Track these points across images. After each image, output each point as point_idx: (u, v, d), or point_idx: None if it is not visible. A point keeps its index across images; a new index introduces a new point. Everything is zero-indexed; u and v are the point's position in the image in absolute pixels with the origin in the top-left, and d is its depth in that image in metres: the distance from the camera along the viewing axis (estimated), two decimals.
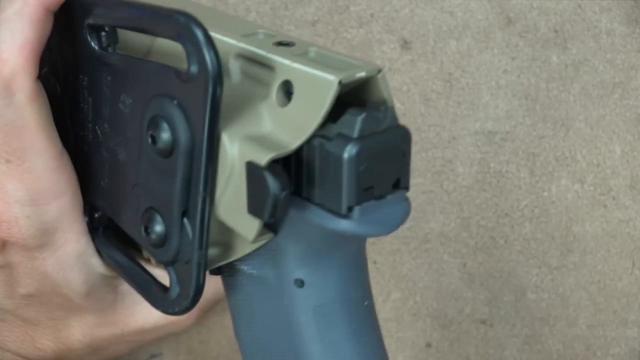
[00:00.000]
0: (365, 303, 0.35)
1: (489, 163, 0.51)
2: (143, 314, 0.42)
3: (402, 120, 0.32)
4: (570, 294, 0.53)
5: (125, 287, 0.41)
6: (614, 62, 0.51)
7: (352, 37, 0.50)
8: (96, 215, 0.39)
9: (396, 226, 0.32)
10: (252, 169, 0.31)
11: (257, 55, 0.33)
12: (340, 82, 0.30)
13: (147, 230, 0.35)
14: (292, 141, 0.31)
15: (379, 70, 0.32)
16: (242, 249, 0.35)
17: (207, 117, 0.31)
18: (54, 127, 0.37)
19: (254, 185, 0.31)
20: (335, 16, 0.50)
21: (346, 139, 0.30)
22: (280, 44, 0.33)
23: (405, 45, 0.50)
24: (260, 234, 0.33)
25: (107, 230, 0.40)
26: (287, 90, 0.32)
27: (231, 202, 0.33)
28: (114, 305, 0.42)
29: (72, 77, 0.38)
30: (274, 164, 0.31)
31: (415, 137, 0.49)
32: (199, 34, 0.30)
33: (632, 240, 0.52)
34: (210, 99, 0.31)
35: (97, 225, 0.40)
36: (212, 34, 0.31)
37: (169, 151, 0.33)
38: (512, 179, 0.51)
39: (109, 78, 0.36)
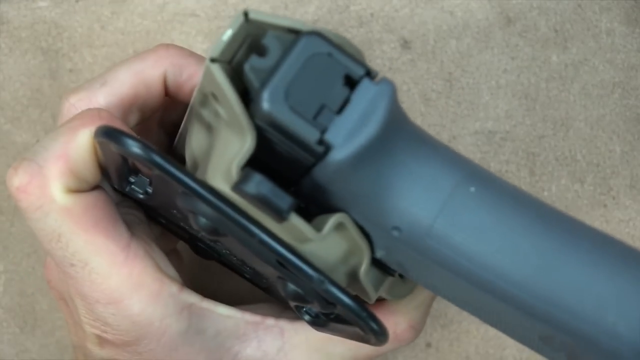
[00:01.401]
0: (472, 189, 0.31)
1: (489, 163, 0.51)
2: None
3: None
4: None
5: (247, 353, 0.39)
6: (614, 61, 0.51)
7: (352, 36, 0.50)
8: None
9: (383, 113, 0.29)
10: (236, 189, 0.31)
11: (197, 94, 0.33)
12: (213, 60, 0.29)
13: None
14: (243, 136, 0.30)
15: (245, 15, 0.30)
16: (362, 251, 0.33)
17: None
18: (111, 225, 0.36)
19: (250, 200, 0.31)
20: (335, 16, 0.50)
21: (256, 93, 0.29)
22: None
23: (405, 44, 0.50)
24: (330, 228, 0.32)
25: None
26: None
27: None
28: None
29: None
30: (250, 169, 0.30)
31: None
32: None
33: (632, 240, 0.52)
34: None
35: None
36: None
37: (215, 228, 0.33)
38: (512, 179, 0.51)
39: None
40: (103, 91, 0.38)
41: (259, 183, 0.30)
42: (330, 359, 0.40)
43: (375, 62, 0.50)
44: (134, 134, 0.32)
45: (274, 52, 0.29)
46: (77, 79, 0.50)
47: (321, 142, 0.29)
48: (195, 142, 0.35)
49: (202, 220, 0.32)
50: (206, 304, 0.38)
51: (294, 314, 0.39)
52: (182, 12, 0.50)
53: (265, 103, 0.29)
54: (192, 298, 0.38)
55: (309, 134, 0.29)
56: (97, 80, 0.38)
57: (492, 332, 0.53)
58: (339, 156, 0.29)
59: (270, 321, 0.39)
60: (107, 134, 0.32)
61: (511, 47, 0.50)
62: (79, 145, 0.35)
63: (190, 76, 0.39)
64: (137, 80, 0.38)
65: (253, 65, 0.29)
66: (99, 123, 0.35)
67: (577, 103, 0.51)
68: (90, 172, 0.36)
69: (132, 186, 0.36)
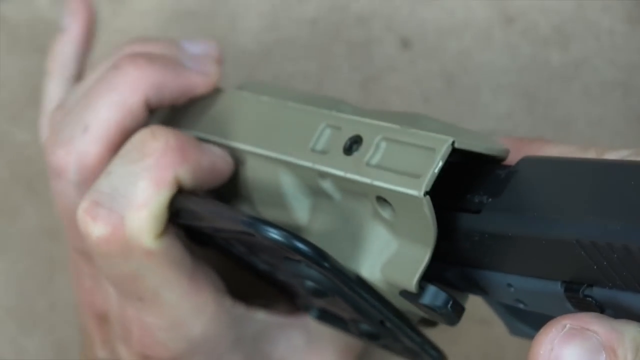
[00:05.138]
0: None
1: None
2: None
3: None
4: None
5: (279, 352, 0.41)
6: (615, 61, 0.51)
7: (352, 35, 0.50)
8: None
9: None
10: (407, 296, 0.31)
11: (337, 176, 0.32)
12: (426, 194, 0.29)
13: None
14: (423, 251, 0.31)
15: (452, 143, 0.30)
16: None
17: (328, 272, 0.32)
18: (182, 259, 0.36)
19: (422, 309, 0.32)
20: (335, 15, 0.50)
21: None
22: (348, 148, 0.32)
23: (405, 44, 0.50)
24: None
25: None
26: (385, 200, 0.31)
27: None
28: None
29: None
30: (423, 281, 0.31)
31: None
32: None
33: None
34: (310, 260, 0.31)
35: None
36: (287, 158, 0.33)
37: (323, 292, 0.33)
38: None
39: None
40: (90, 140, 0.37)
41: (434, 296, 0.31)
42: (351, 345, 0.42)
43: (375, 62, 0.50)
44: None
45: None
46: None
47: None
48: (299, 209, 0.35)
49: (310, 284, 0.33)
50: (250, 312, 0.39)
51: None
52: (181, 11, 0.50)
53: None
54: (241, 310, 0.39)
55: None
56: (78, 125, 0.37)
57: (492, 332, 0.53)
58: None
59: (295, 320, 0.40)
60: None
61: (511, 47, 0.50)
62: (164, 195, 0.35)
63: (173, 92, 0.38)
64: (121, 115, 0.37)
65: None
66: (183, 165, 0.35)
67: (578, 103, 0.51)
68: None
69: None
